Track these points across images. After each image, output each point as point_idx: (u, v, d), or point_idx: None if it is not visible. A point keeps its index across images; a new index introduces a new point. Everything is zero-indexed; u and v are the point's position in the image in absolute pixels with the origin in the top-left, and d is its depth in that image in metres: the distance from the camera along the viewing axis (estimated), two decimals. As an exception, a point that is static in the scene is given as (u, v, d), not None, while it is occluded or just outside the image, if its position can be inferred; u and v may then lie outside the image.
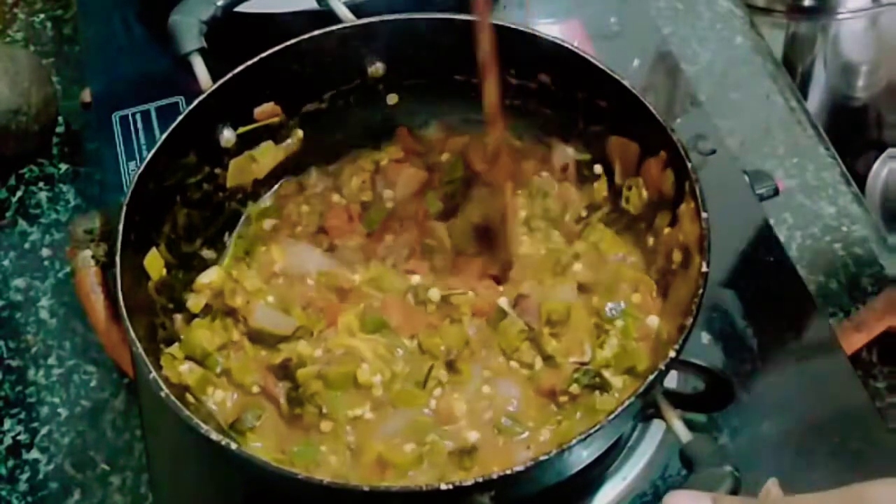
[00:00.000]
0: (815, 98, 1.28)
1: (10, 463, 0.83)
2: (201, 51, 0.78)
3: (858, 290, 0.89)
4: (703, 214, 0.66)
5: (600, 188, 0.79)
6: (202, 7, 0.80)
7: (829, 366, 0.78)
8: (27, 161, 1.02)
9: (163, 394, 0.61)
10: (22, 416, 0.86)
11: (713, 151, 0.89)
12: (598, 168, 0.79)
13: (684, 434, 0.60)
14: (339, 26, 0.78)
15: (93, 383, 0.87)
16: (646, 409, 0.62)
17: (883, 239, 0.92)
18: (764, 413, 0.75)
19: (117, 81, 0.99)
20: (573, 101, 0.78)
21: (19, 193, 1.00)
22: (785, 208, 0.93)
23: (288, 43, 0.77)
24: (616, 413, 0.58)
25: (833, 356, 0.79)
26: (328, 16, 0.81)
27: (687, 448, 0.59)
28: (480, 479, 0.56)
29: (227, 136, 0.77)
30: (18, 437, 0.84)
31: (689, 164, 0.68)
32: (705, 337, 0.79)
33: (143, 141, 0.93)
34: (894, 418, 0.82)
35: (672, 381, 0.71)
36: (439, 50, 0.79)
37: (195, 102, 0.74)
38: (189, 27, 0.78)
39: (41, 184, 1.01)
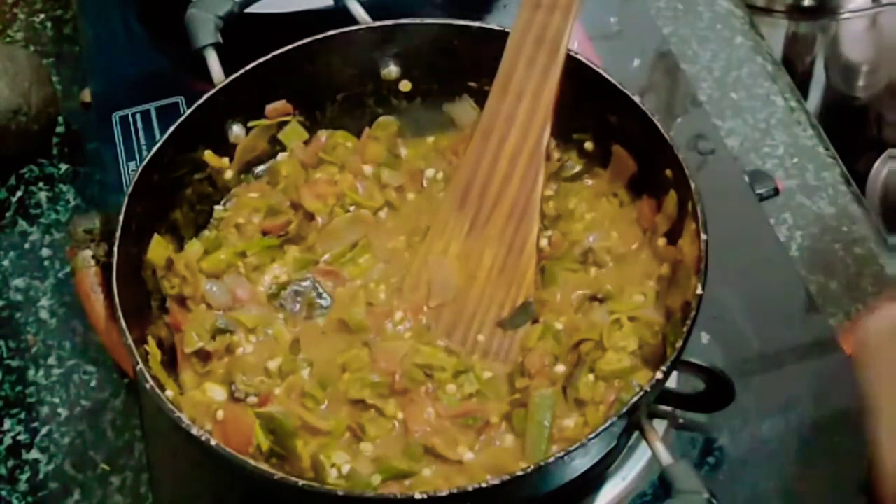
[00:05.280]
0: (815, 98, 1.28)
1: (10, 463, 0.83)
2: (216, 46, 0.78)
3: (858, 290, 0.89)
4: (703, 237, 0.66)
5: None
6: (219, 2, 0.80)
7: (829, 366, 0.78)
8: (27, 161, 1.02)
9: (148, 386, 0.61)
10: (22, 416, 0.86)
11: (713, 151, 0.89)
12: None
13: (665, 457, 0.60)
14: (354, 27, 0.79)
15: (93, 383, 0.87)
16: (629, 429, 0.62)
17: (883, 239, 0.92)
18: (764, 413, 0.75)
19: (117, 81, 0.99)
20: (584, 113, 0.78)
21: (19, 193, 1.00)
22: (785, 208, 0.93)
23: (302, 42, 0.77)
24: (597, 433, 0.58)
25: (833, 356, 0.79)
26: (344, 16, 0.81)
27: (667, 472, 0.59)
28: (455, 490, 0.57)
29: (237, 131, 0.78)
30: (18, 437, 0.84)
31: (693, 185, 0.68)
32: (705, 337, 0.79)
33: (143, 141, 0.93)
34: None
35: (672, 381, 0.71)
36: (454, 56, 0.79)
37: (206, 96, 0.75)
38: (205, 21, 0.79)
39: (41, 184, 1.01)
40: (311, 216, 0.78)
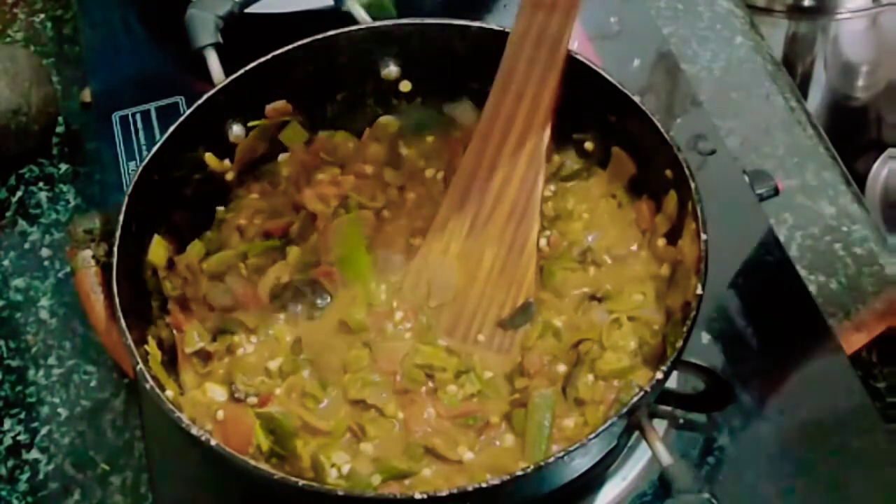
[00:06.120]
0: (815, 98, 1.28)
1: (10, 463, 0.83)
2: (216, 46, 0.79)
3: (858, 290, 0.89)
4: (703, 237, 0.66)
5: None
6: (219, 2, 0.80)
7: (829, 366, 0.78)
8: (27, 161, 1.02)
9: (148, 386, 0.61)
10: (22, 416, 0.86)
11: (713, 151, 0.89)
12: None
13: (665, 457, 0.60)
14: (354, 27, 0.79)
15: (93, 383, 0.87)
16: (629, 429, 0.62)
17: (883, 239, 0.92)
18: (764, 413, 0.75)
19: (117, 81, 0.99)
20: (584, 113, 0.78)
21: (19, 193, 1.00)
22: (785, 208, 0.93)
23: (302, 42, 0.77)
24: (597, 433, 0.58)
25: (833, 356, 0.79)
26: (344, 16, 0.81)
27: (666, 471, 0.59)
28: (455, 490, 0.57)
29: (237, 131, 0.78)
30: (18, 437, 0.84)
31: (693, 185, 0.68)
32: (705, 337, 0.79)
33: (143, 141, 0.93)
34: (894, 418, 0.82)
35: (672, 381, 0.71)
36: (454, 56, 0.79)
37: (206, 96, 0.75)
38: (205, 21, 0.79)
39: (41, 184, 1.01)
40: (313, 217, 0.78)
